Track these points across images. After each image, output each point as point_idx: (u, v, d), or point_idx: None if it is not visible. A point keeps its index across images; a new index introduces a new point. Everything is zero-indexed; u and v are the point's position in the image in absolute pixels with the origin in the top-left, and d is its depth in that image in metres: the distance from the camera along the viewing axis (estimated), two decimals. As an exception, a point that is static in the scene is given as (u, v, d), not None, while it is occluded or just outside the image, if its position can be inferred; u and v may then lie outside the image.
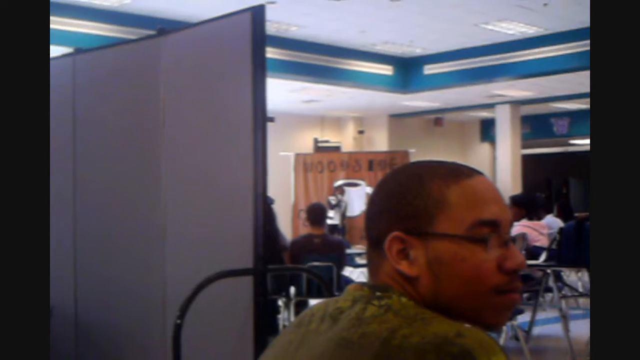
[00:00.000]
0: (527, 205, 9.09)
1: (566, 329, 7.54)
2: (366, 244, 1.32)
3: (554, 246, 7.91)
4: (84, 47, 5.59)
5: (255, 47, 4.08)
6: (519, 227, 8.79)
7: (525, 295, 9.23)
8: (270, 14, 8.27)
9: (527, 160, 20.37)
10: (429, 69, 16.10)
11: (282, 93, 16.27)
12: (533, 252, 8.11)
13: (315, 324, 1.28)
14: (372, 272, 1.31)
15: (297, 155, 18.55)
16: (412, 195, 1.26)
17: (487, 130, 23.20)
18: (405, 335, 1.15)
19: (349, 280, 8.35)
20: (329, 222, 15.11)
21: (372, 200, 1.31)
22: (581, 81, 15.62)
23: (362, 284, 1.28)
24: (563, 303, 7.94)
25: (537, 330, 8.17)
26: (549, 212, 11.38)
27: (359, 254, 11.84)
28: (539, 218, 9.92)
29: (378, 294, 1.24)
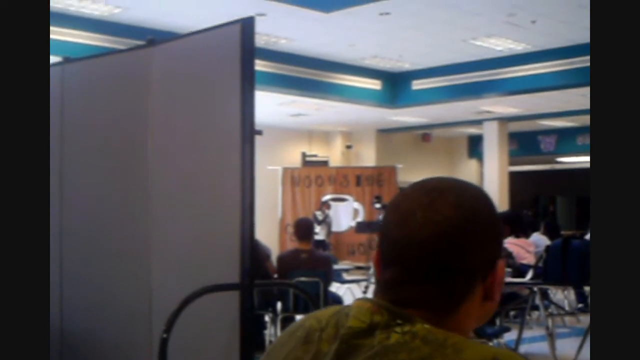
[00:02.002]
0: (512, 222, 9.08)
1: (552, 347, 7.52)
2: (414, 272, 1.22)
3: (540, 264, 7.90)
4: (73, 57, 5.55)
5: (244, 58, 4.05)
6: (506, 245, 8.78)
7: (512, 313, 9.23)
8: (260, 26, 8.24)
9: (514, 177, 20.41)
10: (417, 84, 16.12)
11: (270, 106, 16.25)
12: (520, 270, 8.10)
13: (327, 345, 1.21)
14: (415, 302, 1.21)
15: (285, 169, 18.54)
16: (499, 222, 1.28)
17: (474, 146, 23.26)
18: None
19: (335, 296, 8.30)
20: (315, 237, 15.07)
21: (465, 231, 1.22)
22: (568, 99, 15.69)
23: (379, 306, 1.21)
24: (549, 321, 7.93)
25: (523, 348, 8.14)
26: (536, 229, 11.38)
27: (346, 270, 11.81)
28: (526, 236, 9.91)
29: (399, 321, 1.18)
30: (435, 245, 1.20)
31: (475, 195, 1.26)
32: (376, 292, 1.26)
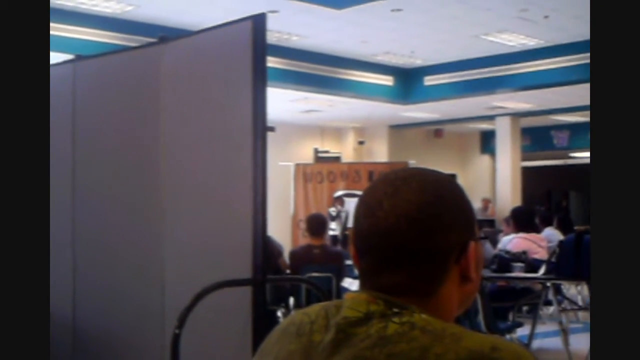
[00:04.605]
0: (518, 217, 9.04)
1: (566, 342, 7.50)
2: (392, 259, 1.24)
3: (553, 259, 7.87)
4: (84, 54, 5.58)
5: (256, 55, 4.06)
6: (517, 240, 8.74)
7: (524, 308, 9.21)
8: (272, 24, 8.25)
9: (527, 173, 20.35)
10: (429, 80, 16.10)
11: (282, 103, 16.25)
12: (532, 265, 8.07)
13: (319, 335, 1.23)
14: (393, 288, 1.23)
15: (297, 165, 18.53)
16: (467, 205, 1.30)
17: (487, 142, 23.20)
18: (438, 355, 1.12)
19: (347, 291, 8.29)
20: (330, 233, 15.05)
21: (429, 214, 1.24)
22: (581, 94, 15.62)
23: (374, 296, 1.22)
24: (563, 316, 7.91)
25: (536, 344, 8.14)
26: (549, 224, 11.33)
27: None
28: (538, 231, 9.87)
29: (395, 310, 1.20)
30: (400, 230, 1.23)
31: (438, 180, 1.29)
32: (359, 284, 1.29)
